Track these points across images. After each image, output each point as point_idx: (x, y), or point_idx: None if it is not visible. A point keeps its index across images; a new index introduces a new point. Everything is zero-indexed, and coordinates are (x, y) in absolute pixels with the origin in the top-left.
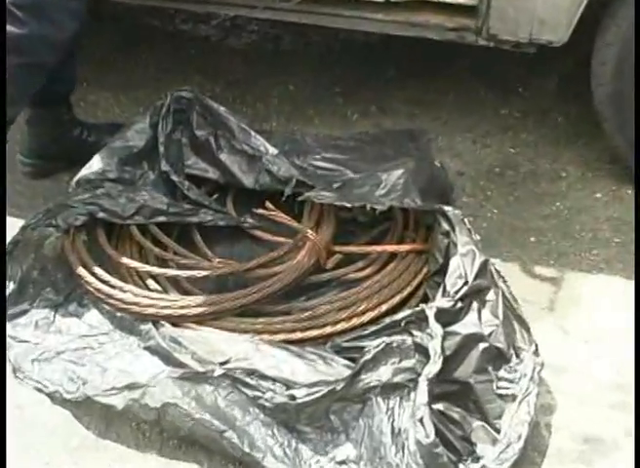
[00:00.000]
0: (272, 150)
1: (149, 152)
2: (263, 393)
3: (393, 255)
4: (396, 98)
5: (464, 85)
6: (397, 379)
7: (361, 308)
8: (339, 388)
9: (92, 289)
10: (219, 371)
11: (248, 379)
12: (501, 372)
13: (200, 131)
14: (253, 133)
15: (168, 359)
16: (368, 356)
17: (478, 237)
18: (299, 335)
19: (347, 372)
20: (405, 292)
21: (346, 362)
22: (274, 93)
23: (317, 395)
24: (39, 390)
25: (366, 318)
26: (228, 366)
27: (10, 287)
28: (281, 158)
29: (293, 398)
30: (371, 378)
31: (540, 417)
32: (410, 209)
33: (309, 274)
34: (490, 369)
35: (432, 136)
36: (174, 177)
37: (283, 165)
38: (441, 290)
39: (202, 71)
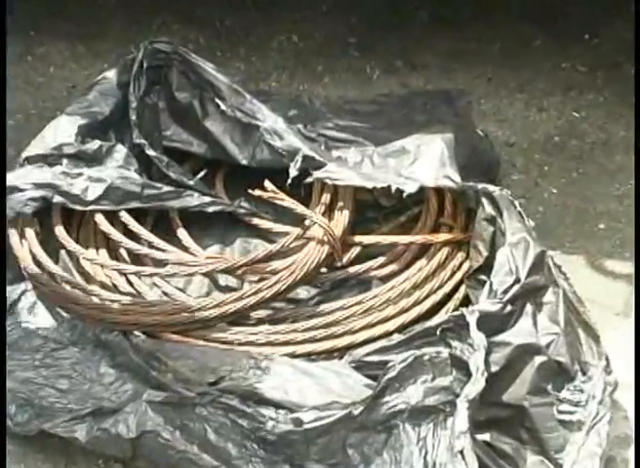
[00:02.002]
0: (272, 117)
1: (118, 120)
2: (264, 423)
3: (425, 248)
4: (428, 50)
5: (514, 32)
6: (430, 401)
7: (385, 314)
8: (357, 412)
9: (47, 291)
10: (208, 397)
11: (244, 407)
12: (564, 393)
13: (181, 93)
14: (247, 95)
15: (144, 379)
16: (393, 372)
17: (532, 223)
18: (308, 348)
19: (368, 393)
20: (440, 294)
21: (367, 380)
22: (274, 44)
23: (330, 420)
24: None
25: (391, 326)
26: (220, 387)
27: None
28: (283, 127)
29: (299, 423)
30: (397, 401)
31: (615, 451)
32: (446, 189)
33: (320, 271)
34: (549, 388)
35: (474, 98)
36: (149, 152)
37: (286, 135)
38: (486, 290)
39: (183, 17)
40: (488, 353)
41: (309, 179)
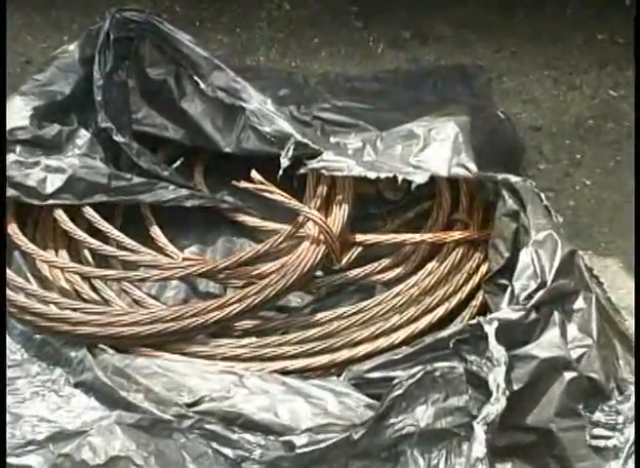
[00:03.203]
0: (260, 97)
1: (81, 101)
2: (251, 452)
3: (436, 248)
4: (441, 19)
5: None
6: (442, 424)
7: (390, 324)
8: (357, 437)
9: None
10: (186, 421)
11: (228, 433)
12: (597, 416)
13: (155, 69)
14: (231, 72)
15: (112, 400)
16: (399, 390)
17: (561, 219)
18: (301, 363)
19: (371, 414)
20: (454, 301)
21: (369, 400)
22: (262, 13)
23: (326, 445)
24: None
25: (397, 337)
26: (200, 408)
27: None
28: (273, 109)
29: (291, 448)
30: (404, 423)
31: None
32: (461, 180)
33: (315, 275)
34: (580, 410)
35: (494, 75)
36: (117, 138)
37: (276, 119)
38: (507, 295)
39: None
40: (509, 368)
41: (303, 170)
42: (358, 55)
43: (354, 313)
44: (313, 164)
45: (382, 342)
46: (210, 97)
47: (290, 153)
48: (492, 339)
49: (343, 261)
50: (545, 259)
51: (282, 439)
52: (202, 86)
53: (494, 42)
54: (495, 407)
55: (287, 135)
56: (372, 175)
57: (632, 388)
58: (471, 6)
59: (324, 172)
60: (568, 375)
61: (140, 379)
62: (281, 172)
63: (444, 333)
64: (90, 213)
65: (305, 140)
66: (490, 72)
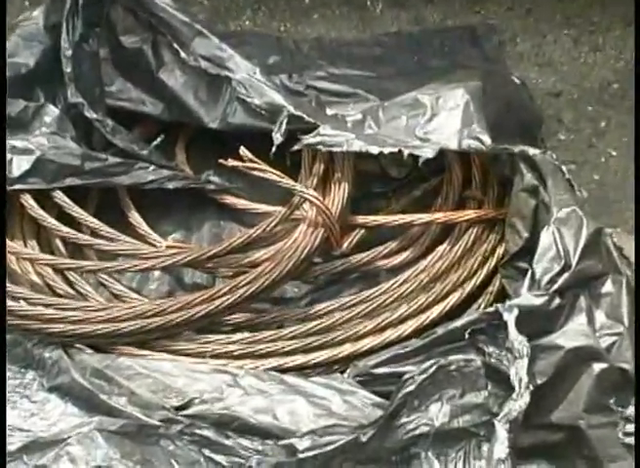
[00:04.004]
0: (248, 66)
1: (47, 74)
2: (247, 459)
3: (448, 229)
4: None
5: None
6: (459, 423)
7: (398, 314)
8: (365, 439)
9: None
10: (175, 426)
11: (221, 438)
12: (630, 410)
13: (129, 37)
14: (215, 38)
15: (92, 404)
16: (411, 387)
17: (586, 194)
18: (301, 359)
19: (379, 414)
20: (468, 287)
21: (377, 398)
22: None
23: (331, 448)
24: None
25: (407, 328)
26: (190, 412)
27: None
28: (262, 78)
29: (292, 452)
30: (417, 422)
31: None
32: (473, 154)
33: (313, 262)
34: (612, 404)
35: (508, 36)
36: (89, 114)
37: (265, 90)
38: (527, 280)
39: None
40: (532, 360)
41: (297, 146)
42: (355, 16)
43: (357, 303)
44: (309, 139)
45: (390, 335)
46: (192, 67)
47: (283, 128)
48: (512, 329)
49: (344, 246)
50: (569, 239)
51: (282, 443)
52: (183, 55)
53: None
54: (517, 403)
55: (279, 107)
56: (374, 149)
57: None
58: None
59: (321, 147)
60: (597, 367)
61: (122, 381)
62: (274, 148)
63: (458, 323)
64: (61, 198)
65: (299, 113)
66: (502, 33)
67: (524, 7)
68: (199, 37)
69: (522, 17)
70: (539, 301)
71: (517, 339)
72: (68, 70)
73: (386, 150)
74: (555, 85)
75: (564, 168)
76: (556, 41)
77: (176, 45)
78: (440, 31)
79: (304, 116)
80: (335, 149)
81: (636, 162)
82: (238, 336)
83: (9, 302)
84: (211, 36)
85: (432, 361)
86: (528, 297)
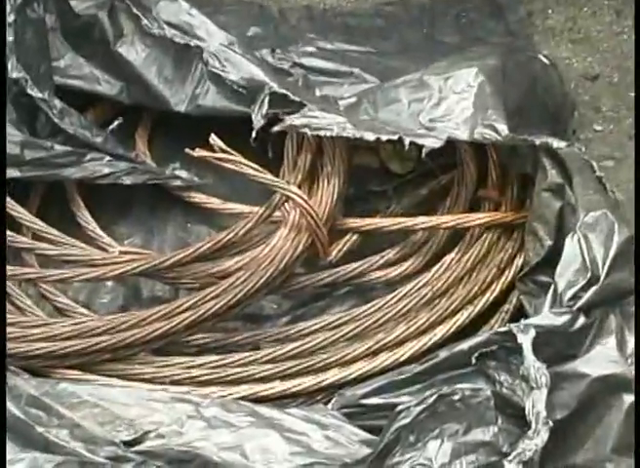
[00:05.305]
0: (222, 36)
1: None
2: None
3: (457, 236)
4: None
5: None
6: (462, 464)
7: (395, 335)
8: None
9: None
10: (126, 466)
11: None
12: None
13: (82, 1)
14: (186, 4)
15: (26, 438)
16: (406, 419)
17: (620, 197)
18: (277, 387)
19: (367, 452)
20: (479, 304)
21: (365, 434)
22: None
23: None
24: None
25: (404, 352)
26: (144, 448)
27: None
28: (240, 51)
29: None
30: (412, 462)
31: None
32: (489, 146)
33: (296, 272)
34: None
35: (536, 7)
36: (33, 92)
37: (244, 63)
38: (549, 296)
39: None
40: (551, 391)
41: (278, 127)
42: None
43: (347, 322)
44: (293, 120)
45: (384, 359)
46: (155, 38)
47: (264, 108)
48: (528, 353)
49: (333, 254)
50: (598, 248)
51: None
52: (145, 22)
53: None
54: (533, 441)
55: (259, 84)
56: (370, 136)
57: None
58: None
59: (307, 131)
60: (628, 399)
61: (63, 411)
62: (254, 134)
63: (464, 346)
64: None
65: (283, 91)
66: (531, 3)
67: None
68: (165, 0)
69: None
70: (560, 321)
71: (534, 366)
72: (10, 39)
73: (384, 137)
74: (592, 66)
75: (594, 164)
76: (594, 13)
77: (136, 10)
78: (456, 0)
79: (289, 94)
80: (323, 133)
81: (636, 164)
82: (203, 360)
83: None
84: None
85: (432, 390)
86: (548, 316)
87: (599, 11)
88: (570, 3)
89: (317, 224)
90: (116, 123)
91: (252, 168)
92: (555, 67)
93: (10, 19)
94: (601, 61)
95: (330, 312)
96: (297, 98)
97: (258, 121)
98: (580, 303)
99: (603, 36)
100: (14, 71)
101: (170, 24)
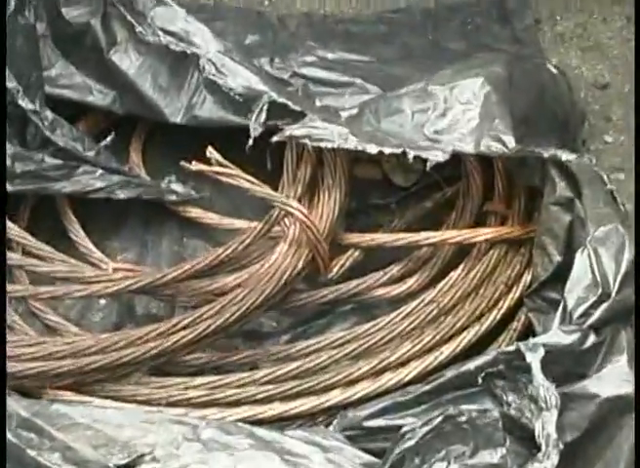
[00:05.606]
0: (220, 44)
1: None
2: None
3: (463, 251)
4: None
5: None
6: None
7: (399, 354)
8: None
9: None
10: None
11: None
12: None
13: (73, 8)
14: (182, 10)
15: (16, 461)
16: (411, 441)
17: (631, 209)
18: (278, 409)
19: None
20: (486, 322)
21: (368, 456)
22: None
23: None
24: None
25: (409, 372)
26: None
27: None
28: (238, 59)
29: None
30: None
31: None
32: (495, 158)
33: (296, 289)
34: None
35: (544, 14)
36: (23, 103)
37: (241, 70)
38: (558, 313)
39: None
40: (561, 412)
41: (277, 137)
42: None
43: (349, 340)
44: (293, 130)
45: (388, 379)
46: (150, 46)
47: (262, 116)
48: (537, 372)
49: (335, 270)
50: (608, 263)
51: None
52: (139, 29)
53: None
54: (543, 464)
55: (258, 92)
56: (373, 149)
57: None
58: None
59: (307, 141)
60: None
61: (55, 433)
62: (250, 141)
63: (471, 365)
64: None
65: (283, 100)
66: (539, 9)
67: None
68: (160, 6)
69: None
70: (569, 339)
71: (543, 386)
72: None
73: (387, 150)
74: (602, 74)
75: (605, 176)
76: (604, 20)
77: (130, 17)
78: (461, 6)
79: (289, 103)
80: (324, 144)
81: (636, 167)
82: (201, 380)
83: None
84: (174, 5)
85: (438, 411)
86: (557, 334)
87: (609, 17)
88: (579, 9)
89: (318, 239)
90: (109, 138)
91: (250, 181)
92: (564, 75)
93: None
94: (611, 69)
95: (332, 330)
96: (297, 108)
97: (255, 129)
98: (590, 321)
99: (614, 43)
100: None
101: (165, 31)
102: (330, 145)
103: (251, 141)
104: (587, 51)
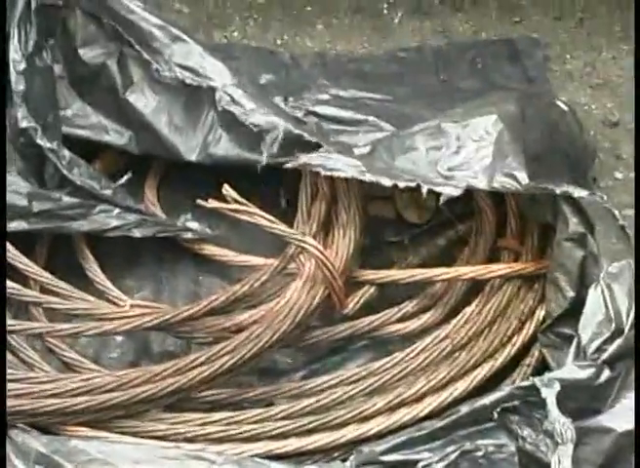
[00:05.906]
0: (234, 79)
1: None
2: None
3: (477, 287)
4: None
5: None
6: None
7: (415, 389)
8: None
9: None
10: None
11: None
12: None
13: (90, 49)
14: (198, 46)
15: None
16: None
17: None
18: (294, 444)
19: None
20: (500, 358)
21: None
22: None
23: None
24: None
25: (424, 407)
26: None
27: None
28: (253, 97)
29: None
30: None
31: None
32: (508, 195)
33: (311, 326)
34: None
35: (554, 52)
36: (42, 142)
37: (256, 109)
38: (572, 349)
39: None
40: (576, 446)
41: (291, 164)
42: (368, 26)
43: (364, 377)
44: (308, 158)
45: (403, 415)
46: (165, 85)
47: (276, 146)
48: (552, 407)
49: (350, 307)
50: (622, 298)
51: None
52: (156, 66)
53: (553, 6)
54: None
55: (274, 125)
56: (387, 182)
57: None
58: None
59: (321, 170)
60: None
61: None
62: (259, 168)
63: (486, 401)
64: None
65: (299, 131)
66: (548, 47)
67: (575, 16)
68: (177, 43)
69: (572, 28)
70: (584, 374)
71: (559, 421)
72: (20, 88)
73: (402, 184)
74: (612, 112)
75: (617, 213)
76: (614, 58)
77: (147, 55)
78: (472, 45)
79: (305, 134)
80: (337, 174)
81: (636, 171)
82: (217, 416)
83: None
84: (191, 41)
85: (454, 446)
86: (572, 369)
87: (618, 55)
88: (589, 47)
89: (333, 276)
90: (125, 177)
91: (266, 219)
92: (574, 113)
93: (20, 67)
94: (621, 107)
95: (346, 367)
96: (312, 139)
97: (266, 155)
98: (604, 356)
99: (623, 81)
100: (23, 121)
101: (181, 66)
102: (343, 175)
103: (263, 163)
104: (597, 89)
